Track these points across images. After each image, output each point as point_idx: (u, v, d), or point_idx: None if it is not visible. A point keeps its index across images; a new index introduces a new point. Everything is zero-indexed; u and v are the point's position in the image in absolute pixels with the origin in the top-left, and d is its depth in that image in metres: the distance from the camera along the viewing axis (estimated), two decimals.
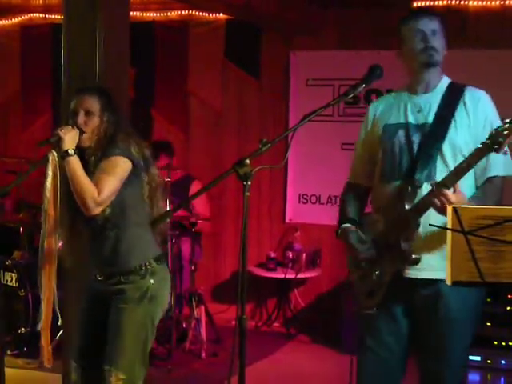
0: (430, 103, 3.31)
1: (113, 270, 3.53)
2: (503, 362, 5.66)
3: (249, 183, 2.66)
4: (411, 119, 3.32)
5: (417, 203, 3.16)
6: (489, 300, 5.71)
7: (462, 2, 6.58)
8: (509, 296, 5.67)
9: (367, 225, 3.38)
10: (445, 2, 6.63)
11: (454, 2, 6.60)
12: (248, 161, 2.68)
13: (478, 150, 2.97)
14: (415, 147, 3.26)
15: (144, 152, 3.57)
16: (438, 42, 3.28)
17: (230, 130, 7.43)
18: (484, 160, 3.13)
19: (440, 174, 3.19)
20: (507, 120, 2.87)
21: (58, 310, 3.47)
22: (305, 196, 7.14)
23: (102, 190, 3.36)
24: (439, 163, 3.22)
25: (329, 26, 6.91)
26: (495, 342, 5.70)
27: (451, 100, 3.29)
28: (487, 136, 2.92)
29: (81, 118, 3.49)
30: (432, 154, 3.21)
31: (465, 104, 3.28)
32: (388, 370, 3.38)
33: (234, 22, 7.29)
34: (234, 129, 7.42)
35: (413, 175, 3.21)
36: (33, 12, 7.93)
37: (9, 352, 5.60)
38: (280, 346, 6.51)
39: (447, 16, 6.57)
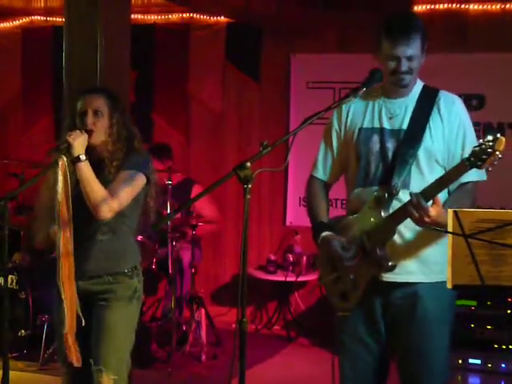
0: (405, 108, 3.30)
1: (100, 272, 3.55)
2: (503, 365, 5.65)
3: (249, 186, 2.66)
4: (386, 124, 3.30)
5: (394, 212, 3.16)
6: (489, 303, 5.71)
7: (463, 6, 6.58)
8: (509, 299, 5.66)
9: (343, 228, 3.37)
10: (445, 6, 6.63)
11: (454, 6, 6.61)
12: (249, 164, 2.67)
13: (460, 165, 2.98)
14: (390, 153, 3.25)
15: (153, 166, 3.67)
16: (413, 64, 3.22)
17: (231, 132, 7.43)
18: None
19: (415, 180, 3.21)
20: (490, 137, 2.85)
21: (80, 312, 3.46)
22: (305, 199, 7.13)
23: (118, 197, 3.41)
24: (414, 170, 3.22)
25: (329, 29, 6.92)
26: (495, 346, 5.69)
27: (425, 105, 3.28)
28: (470, 153, 2.90)
29: (90, 119, 3.50)
30: (407, 161, 3.20)
31: (439, 109, 3.27)
32: (369, 370, 3.39)
33: (235, 25, 7.30)
34: (234, 132, 7.42)
35: (388, 182, 3.21)
36: (34, 15, 7.94)
37: (9, 355, 5.60)
38: (280, 349, 6.51)
39: (447, 20, 6.60)
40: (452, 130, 3.26)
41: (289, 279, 6.80)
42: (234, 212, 7.26)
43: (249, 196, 2.65)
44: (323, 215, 3.47)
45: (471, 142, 3.21)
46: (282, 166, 3.17)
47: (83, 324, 3.47)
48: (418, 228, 3.15)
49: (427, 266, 3.25)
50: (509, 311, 5.66)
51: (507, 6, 6.49)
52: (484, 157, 2.86)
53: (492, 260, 2.78)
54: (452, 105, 3.30)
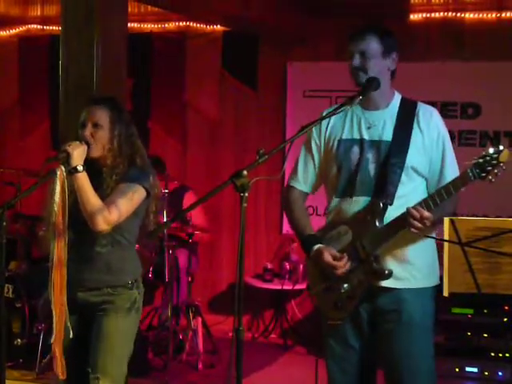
0: (384, 120, 3.35)
1: (100, 284, 3.54)
2: (500, 373, 5.65)
3: (246, 195, 2.66)
4: (365, 135, 3.35)
5: (391, 222, 3.21)
6: (486, 311, 5.71)
7: (459, 15, 6.60)
8: (505, 307, 5.67)
9: (334, 237, 3.39)
10: (441, 14, 6.65)
11: (450, 15, 6.62)
12: (245, 172, 2.67)
13: (464, 177, 3.04)
14: (370, 164, 3.31)
15: (156, 180, 3.63)
16: (368, 63, 3.30)
17: (227, 141, 7.43)
18: (437, 174, 3.28)
19: (398, 192, 3.25)
20: (491, 150, 2.94)
21: (69, 324, 3.45)
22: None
23: (115, 209, 3.39)
24: (398, 182, 3.27)
25: (326, 37, 6.92)
26: (492, 354, 5.70)
27: (406, 118, 3.34)
28: (474, 164, 2.98)
29: (87, 131, 3.48)
30: (397, 172, 3.26)
31: (418, 122, 3.33)
32: (358, 374, 3.41)
33: (232, 34, 7.31)
34: (231, 140, 7.43)
35: (381, 192, 3.26)
36: (30, 23, 7.95)
37: (5, 364, 5.58)
38: (277, 358, 6.49)
39: (444, 28, 6.62)
40: (432, 141, 3.33)
41: (285, 287, 6.80)
42: (231, 220, 7.26)
43: (245, 204, 2.65)
44: (310, 227, 3.49)
45: (450, 152, 3.34)
46: (278, 175, 3.17)
47: (71, 336, 3.45)
48: (401, 234, 3.21)
49: (411, 273, 3.29)
50: (505, 319, 5.67)
51: (503, 14, 6.50)
52: (488, 168, 2.95)
53: (488, 268, 2.79)
54: (430, 117, 3.36)
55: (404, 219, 3.13)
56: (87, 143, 3.45)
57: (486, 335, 5.71)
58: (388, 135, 3.31)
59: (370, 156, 3.31)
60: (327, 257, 3.30)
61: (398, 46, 3.39)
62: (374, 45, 3.31)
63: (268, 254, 7.29)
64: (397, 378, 3.32)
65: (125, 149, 3.53)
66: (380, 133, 3.32)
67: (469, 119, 6.56)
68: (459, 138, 6.56)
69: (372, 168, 3.31)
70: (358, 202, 3.31)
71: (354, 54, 3.34)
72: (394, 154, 3.27)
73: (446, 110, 6.58)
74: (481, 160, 2.96)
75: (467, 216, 2.99)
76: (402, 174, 3.26)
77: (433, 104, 6.45)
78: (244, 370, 2.69)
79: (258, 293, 6.97)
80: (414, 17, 6.70)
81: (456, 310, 5.77)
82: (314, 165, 3.50)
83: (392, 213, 3.22)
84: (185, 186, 6.78)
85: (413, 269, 3.28)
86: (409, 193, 3.25)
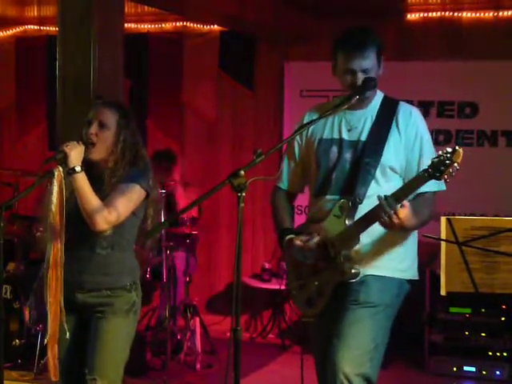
0: (364, 119, 3.36)
1: (99, 286, 3.53)
2: (498, 372, 5.66)
3: (243, 194, 2.66)
4: (345, 135, 3.36)
5: (359, 219, 3.21)
6: (483, 311, 5.72)
7: (456, 14, 6.61)
8: (503, 306, 5.68)
9: (308, 234, 3.41)
10: (439, 14, 6.65)
11: (447, 14, 6.63)
12: (242, 172, 2.68)
13: (419, 176, 3.03)
14: (347, 164, 3.32)
15: (156, 184, 3.62)
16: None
17: (225, 141, 7.43)
18: (413, 175, 3.22)
19: (372, 190, 3.26)
20: (449, 149, 2.91)
21: (64, 324, 3.44)
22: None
23: (114, 209, 3.36)
24: (370, 181, 3.28)
25: (323, 37, 6.90)
26: (490, 353, 5.71)
27: (385, 118, 3.34)
28: (429, 164, 2.96)
29: (93, 129, 3.46)
30: (370, 172, 3.27)
31: (397, 122, 3.33)
32: None
33: (229, 34, 7.31)
34: (228, 140, 7.43)
35: (351, 191, 3.27)
36: (28, 24, 7.95)
37: (3, 364, 5.58)
38: (275, 358, 6.49)
39: (441, 28, 6.62)
40: (409, 141, 3.32)
41: (283, 287, 6.78)
42: (228, 220, 7.26)
43: (243, 204, 2.65)
44: (287, 222, 3.53)
45: (428, 151, 3.31)
46: (275, 175, 3.18)
47: (67, 336, 3.45)
48: (375, 234, 3.23)
49: (377, 267, 3.30)
50: (503, 318, 5.68)
51: (500, 13, 6.51)
52: (442, 168, 2.92)
53: (486, 267, 2.79)
54: (409, 117, 3.35)
55: (372, 215, 3.13)
56: (89, 142, 3.44)
57: (483, 334, 5.72)
58: (366, 135, 3.32)
59: (348, 156, 3.33)
60: (296, 241, 3.33)
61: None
62: (374, 60, 3.29)
63: (266, 254, 7.28)
64: (331, 350, 3.30)
65: (128, 156, 3.50)
66: (359, 133, 3.34)
67: (466, 118, 6.56)
68: (456, 138, 6.56)
69: (348, 167, 3.32)
70: (332, 201, 3.33)
71: (357, 72, 3.27)
72: (368, 153, 3.28)
73: (443, 110, 6.59)
74: (436, 160, 2.93)
75: (465, 215, 2.99)
76: (377, 173, 3.27)
77: (430, 103, 6.54)
78: (242, 370, 2.69)
79: (256, 293, 6.97)
80: (411, 16, 6.71)
81: (454, 310, 5.77)
82: (297, 164, 3.53)
83: (363, 211, 3.21)
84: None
85: (381, 258, 3.29)
86: (384, 192, 3.20)
